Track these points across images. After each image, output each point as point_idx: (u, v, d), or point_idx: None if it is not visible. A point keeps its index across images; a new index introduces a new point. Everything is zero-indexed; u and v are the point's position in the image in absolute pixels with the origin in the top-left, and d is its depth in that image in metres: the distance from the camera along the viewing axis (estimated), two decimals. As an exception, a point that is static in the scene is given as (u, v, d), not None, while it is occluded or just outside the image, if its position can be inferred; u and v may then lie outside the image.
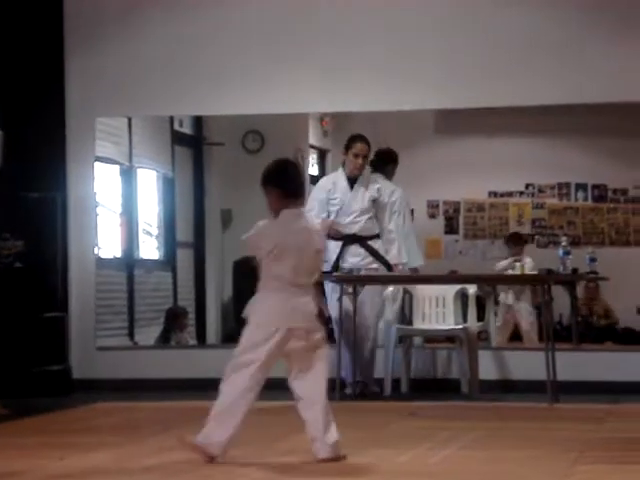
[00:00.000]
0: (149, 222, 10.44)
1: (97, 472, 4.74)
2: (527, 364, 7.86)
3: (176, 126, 10.41)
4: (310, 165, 11.89)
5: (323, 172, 12.53)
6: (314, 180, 12.16)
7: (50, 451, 5.33)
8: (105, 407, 7.28)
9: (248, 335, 4.77)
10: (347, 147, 7.82)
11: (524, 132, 11.51)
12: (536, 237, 12.11)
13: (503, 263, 9.58)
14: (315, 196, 7.87)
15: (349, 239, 7.72)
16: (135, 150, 9.84)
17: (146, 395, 7.73)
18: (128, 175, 9.88)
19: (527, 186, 12.24)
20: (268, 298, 4.78)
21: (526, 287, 9.58)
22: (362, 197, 7.77)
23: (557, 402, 7.07)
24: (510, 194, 12.26)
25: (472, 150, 11.83)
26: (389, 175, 8.29)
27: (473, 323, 7.83)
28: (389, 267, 7.73)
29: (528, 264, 8.98)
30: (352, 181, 7.82)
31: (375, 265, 7.72)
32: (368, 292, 7.64)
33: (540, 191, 12.25)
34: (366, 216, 7.75)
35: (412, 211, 8.86)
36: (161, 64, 8.43)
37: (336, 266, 7.69)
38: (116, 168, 9.72)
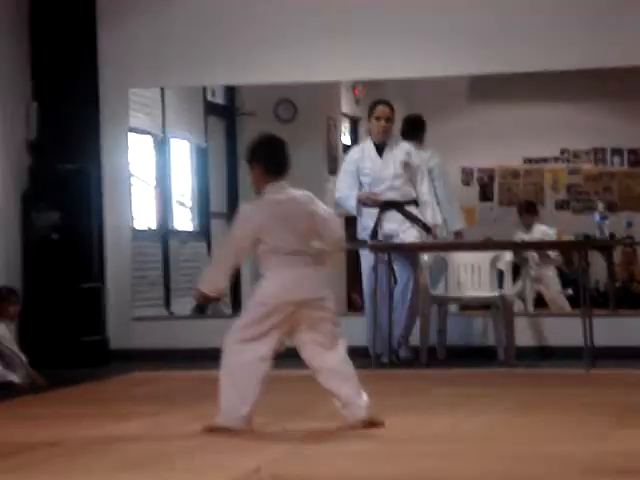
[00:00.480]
0: (183, 193, 10.47)
1: (135, 440, 4.78)
2: (564, 330, 7.83)
3: (209, 96, 10.41)
4: (342, 134, 11.86)
5: (355, 140, 12.50)
6: (346, 148, 12.16)
7: (89, 420, 5.39)
8: (142, 377, 7.33)
9: (251, 310, 4.75)
10: (370, 113, 7.76)
11: (559, 98, 11.42)
12: (572, 203, 12.04)
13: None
14: (345, 168, 7.83)
15: (386, 205, 7.67)
16: (168, 121, 9.85)
17: (182, 364, 7.78)
18: (162, 146, 9.90)
19: (562, 152, 12.16)
20: (273, 276, 4.73)
21: (551, 255, 9.50)
22: (393, 163, 7.68)
23: (594, 368, 7.04)
24: (545, 160, 12.19)
25: (506, 116, 11.76)
26: (419, 141, 8.23)
27: (509, 290, 7.80)
28: (429, 231, 7.67)
29: (537, 233, 8.93)
30: (380, 148, 7.74)
31: (414, 231, 7.67)
32: (402, 258, 7.62)
33: (575, 156, 12.16)
34: (400, 181, 7.67)
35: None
36: (193, 34, 8.42)
37: (374, 233, 7.66)
38: (149, 139, 9.74)
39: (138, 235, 9.05)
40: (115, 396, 6.52)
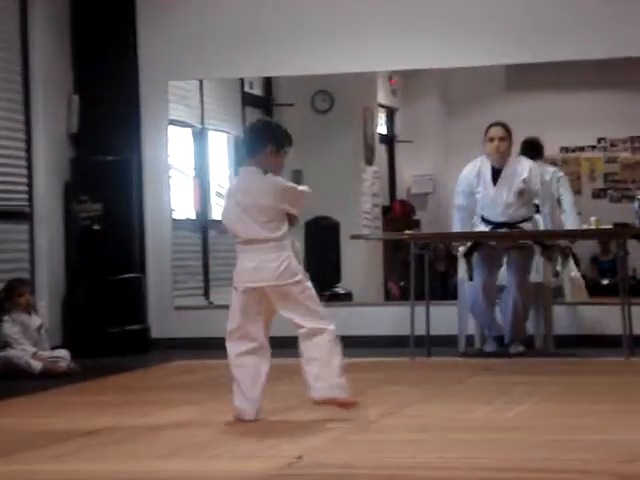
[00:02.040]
0: (221, 184, 10.54)
1: (181, 427, 4.85)
2: (602, 319, 7.84)
3: (246, 88, 10.46)
4: (379, 124, 11.89)
5: (392, 131, 12.52)
6: (383, 139, 12.19)
7: (132, 408, 5.46)
8: (183, 365, 7.41)
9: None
10: (484, 136, 7.57)
11: (595, 86, 11.37)
12: (609, 192, 12.00)
13: None
14: (459, 189, 7.65)
15: (497, 225, 7.54)
16: (206, 112, 9.92)
17: (223, 353, 7.82)
18: (200, 138, 9.97)
19: (599, 140, 12.11)
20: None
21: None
22: (507, 192, 7.47)
23: (633, 356, 7.05)
24: (582, 149, 12.14)
25: (543, 105, 11.72)
26: (538, 162, 8.16)
27: (548, 278, 7.81)
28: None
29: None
30: (497, 172, 7.51)
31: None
32: (514, 257, 7.57)
33: (612, 145, 12.11)
34: (513, 208, 7.50)
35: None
36: (231, 26, 8.48)
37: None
38: (188, 131, 9.82)
39: (178, 225, 9.13)
40: (157, 384, 6.59)
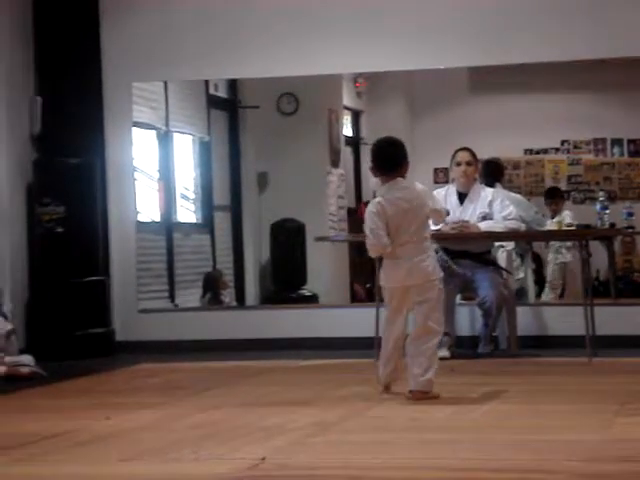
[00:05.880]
0: (186, 186, 10.52)
1: (144, 430, 4.84)
2: (565, 320, 7.89)
3: (211, 90, 10.45)
4: (344, 126, 11.91)
5: (357, 133, 12.56)
6: (348, 141, 12.23)
7: (96, 411, 5.43)
8: (148, 368, 7.38)
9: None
10: (451, 160, 7.63)
11: (559, 88, 11.45)
12: (572, 193, 12.09)
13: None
14: None
15: (459, 254, 7.53)
16: (171, 115, 9.90)
17: (187, 356, 7.83)
18: (165, 140, 9.95)
19: (563, 142, 12.20)
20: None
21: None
22: (472, 213, 7.52)
23: (596, 356, 7.09)
24: (546, 151, 12.23)
25: (507, 108, 11.80)
26: (499, 183, 8.27)
27: (511, 280, 7.85)
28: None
29: (567, 218, 8.95)
30: (463, 196, 7.58)
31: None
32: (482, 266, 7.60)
33: (576, 147, 12.21)
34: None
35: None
36: (196, 27, 8.46)
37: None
38: (153, 133, 9.79)
39: (142, 228, 9.10)
40: (120, 387, 6.56)
